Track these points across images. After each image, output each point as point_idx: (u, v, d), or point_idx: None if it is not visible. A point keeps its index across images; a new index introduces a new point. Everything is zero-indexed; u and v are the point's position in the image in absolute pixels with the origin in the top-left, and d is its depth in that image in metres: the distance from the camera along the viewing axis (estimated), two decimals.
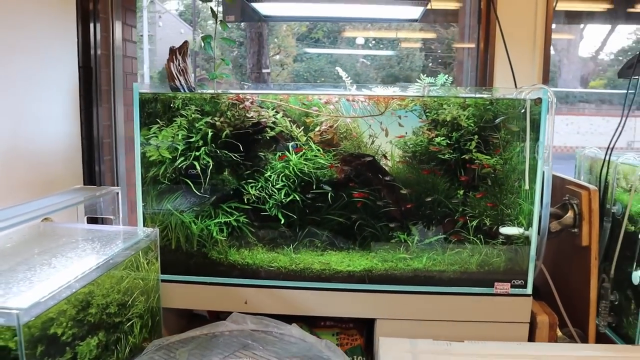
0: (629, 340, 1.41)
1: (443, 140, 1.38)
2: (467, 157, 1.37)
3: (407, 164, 1.39)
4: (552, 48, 2.06)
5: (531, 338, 1.41)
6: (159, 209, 1.44)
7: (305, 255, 1.43)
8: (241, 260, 1.44)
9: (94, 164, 1.93)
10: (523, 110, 1.35)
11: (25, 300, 0.85)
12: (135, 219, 2.05)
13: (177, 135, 1.41)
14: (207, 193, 1.42)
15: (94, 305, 1.04)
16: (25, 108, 1.50)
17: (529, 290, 1.40)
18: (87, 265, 1.03)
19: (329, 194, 1.40)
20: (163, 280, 1.38)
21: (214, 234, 1.43)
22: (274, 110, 1.41)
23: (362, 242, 1.42)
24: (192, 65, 1.55)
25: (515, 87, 1.78)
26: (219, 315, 1.57)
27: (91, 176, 1.90)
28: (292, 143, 1.40)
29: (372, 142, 1.40)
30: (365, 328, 1.55)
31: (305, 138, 1.40)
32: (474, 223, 1.39)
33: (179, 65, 1.52)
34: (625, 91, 1.59)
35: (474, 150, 1.37)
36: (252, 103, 1.41)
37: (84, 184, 1.81)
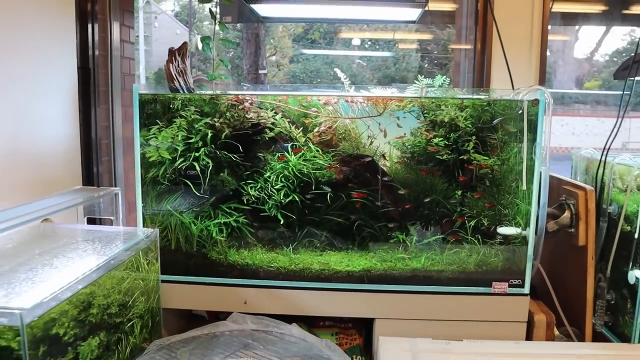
0: (625, 339, 1.42)
1: (441, 141, 1.39)
2: (465, 158, 1.38)
3: (406, 164, 1.40)
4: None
5: (529, 337, 1.42)
6: (158, 210, 1.44)
7: (305, 256, 1.43)
8: (241, 261, 1.45)
9: (92, 165, 1.94)
10: (520, 112, 1.36)
11: (28, 300, 0.86)
12: (133, 219, 2.05)
13: (177, 136, 1.41)
14: (206, 194, 1.43)
15: (95, 305, 1.04)
16: (25, 109, 1.50)
17: (527, 289, 1.41)
18: (88, 265, 1.04)
19: (328, 195, 1.41)
20: (163, 281, 1.38)
21: (214, 234, 1.44)
22: (273, 111, 1.41)
23: (361, 242, 1.43)
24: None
25: (513, 88, 1.79)
26: (218, 316, 1.57)
27: (89, 177, 1.90)
28: (291, 144, 1.41)
29: (371, 143, 1.41)
30: (364, 328, 1.56)
31: (304, 139, 1.41)
32: (472, 223, 1.40)
33: (178, 66, 1.52)
34: (621, 92, 1.61)
35: (471, 151, 1.38)
36: (251, 104, 1.41)
37: (83, 185, 1.81)
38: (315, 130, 1.41)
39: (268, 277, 1.45)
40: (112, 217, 1.45)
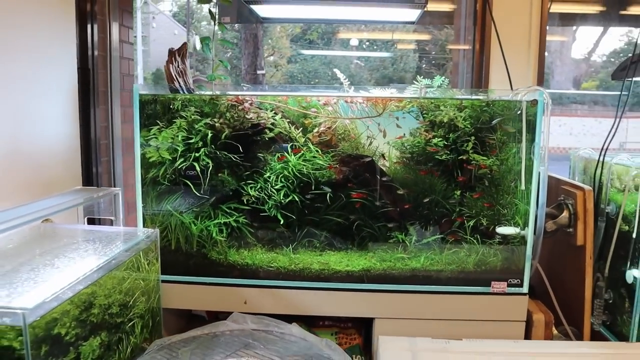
0: (623, 338, 1.43)
1: (440, 141, 1.39)
2: (464, 158, 1.39)
3: (405, 164, 1.41)
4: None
5: (527, 336, 1.43)
6: (158, 210, 1.45)
7: (304, 256, 1.44)
8: (241, 261, 1.45)
9: (92, 166, 1.94)
10: (519, 112, 1.37)
11: (30, 300, 0.86)
12: (131, 219, 2.05)
13: (177, 136, 1.41)
14: (206, 194, 1.43)
15: (97, 305, 1.05)
16: (26, 109, 1.50)
17: (525, 289, 1.42)
18: (89, 266, 1.04)
19: (328, 195, 1.41)
20: (163, 281, 1.38)
21: (214, 234, 1.44)
22: (273, 111, 1.42)
23: (361, 242, 1.43)
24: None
25: (511, 88, 1.80)
26: (218, 316, 1.57)
27: (89, 177, 1.90)
28: (290, 144, 1.41)
29: (370, 143, 1.41)
30: (363, 327, 1.57)
31: (303, 139, 1.41)
32: (471, 223, 1.41)
33: (178, 66, 1.53)
34: (618, 93, 1.62)
35: (470, 151, 1.39)
36: (251, 104, 1.42)
37: (82, 186, 1.82)
38: (315, 130, 1.41)
39: (268, 277, 1.45)
40: (112, 218, 1.45)
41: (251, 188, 1.42)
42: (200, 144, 1.42)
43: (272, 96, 1.44)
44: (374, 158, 1.41)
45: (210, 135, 1.41)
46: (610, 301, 1.48)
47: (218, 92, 1.50)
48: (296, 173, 1.42)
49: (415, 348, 1.23)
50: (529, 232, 1.39)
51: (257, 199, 1.43)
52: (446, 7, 2.76)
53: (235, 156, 1.42)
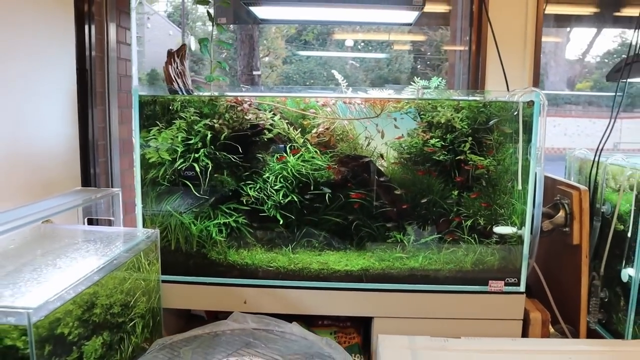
0: (618, 336, 1.44)
1: (438, 141, 1.41)
2: (461, 158, 1.40)
3: (403, 165, 1.42)
4: None
5: (524, 334, 1.44)
6: (158, 211, 1.45)
7: (304, 255, 1.45)
8: (240, 261, 1.46)
9: (89, 166, 1.94)
10: (515, 113, 1.38)
11: (34, 300, 0.87)
12: (129, 220, 2.06)
13: (177, 137, 1.42)
14: (206, 194, 1.44)
15: (99, 305, 1.05)
16: (26, 110, 1.50)
17: (522, 288, 1.43)
18: (91, 266, 1.05)
19: (327, 195, 1.42)
20: (163, 281, 1.39)
21: (213, 234, 1.45)
22: (272, 112, 1.43)
23: (359, 242, 1.44)
24: None
25: (508, 89, 1.82)
26: (217, 316, 1.58)
27: (87, 178, 1.90)
28: (289, 144, 1.42)
29: (368, 144, 1.42)
30: (362, 327, 1.58)
31: (302, 140, 1.42)
32: (469, 223, 1.42)
33: (177, 68, 1.54)
34: (612, 94, 1.64)
35: (467, 152, 1.40)
36: (250, 105, 1.43)
37: (81, 186, 1.82)
38: (314, 131, 1.42)
39: (267, 276, 1.46)
40: (111, 218, 1.46)
41: (250, 188, 1.43)
42: (200, 144, 1.43)
43: (270, 97, 1.45)
44: (372, 158, 1.43)
45: (209, 136, 1.42)
46: (606, 299, 1.50)
47: (216, 93, 1.51)
48: (295, 173, 1.43)
49: (415, 346, 1.24)
50: (525, 232, 1.41)
51: (256, 199, 1.44)
52: (442, 8, 2.78)
53: (235, 157, 1.43)
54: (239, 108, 1.43)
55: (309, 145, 1.42)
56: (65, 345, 0.94)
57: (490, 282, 1.43)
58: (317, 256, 1.45)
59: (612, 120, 1.58)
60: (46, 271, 1.01)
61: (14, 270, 1.00)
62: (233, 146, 1.43)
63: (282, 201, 1.43)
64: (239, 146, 1.43)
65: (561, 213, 1.49)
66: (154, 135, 1.42)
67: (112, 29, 2.07)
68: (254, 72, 5.98)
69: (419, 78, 1.60)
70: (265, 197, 1.43)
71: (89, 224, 1.48)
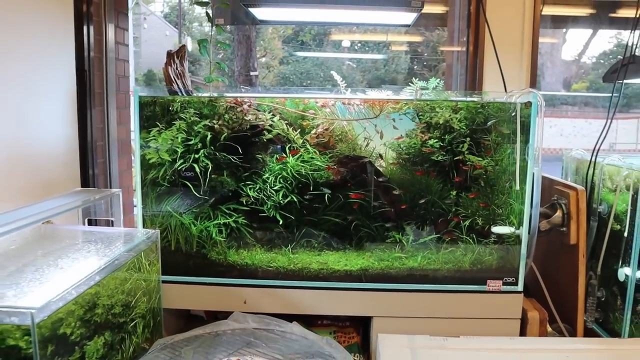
0: (615, 334, 1.45)
1: (436, 142, 1.42)
2: (459, 159, 1.41)
3: (402, 165, 1.43)
4: None
5: (522, 333, 1.45)
6: (158, 211, 1.46)
7: (303, 255, 1.46)
8: (240, 261, 1.46)
9: (88, 167, 1.94)
10: (513, 114, 1.40)
11: (37, 300, 0.87)
12: (128, 221, 2.06)
13: (177, 138, 1.43)
14: (206, 195, 1.45)
15: (100, 305, 1.06)
16: (25, 111, 1.51)
17: (520, 287, 1.45)
18: (93, 266, 1.05)
19: (326, 195, 1.43)
20: (163, 281, 1.39)
21: (213, 235, 1.45)
22: (271, 113, 1.43)
23: (359, 242, 1.45)
24: None
25: (505, 90, 1.83)
26: (217, 316, 1.59)
27: (85, 179, 1.91)
28: (289, 145, 1.43)
29: (367, 145, 1.43)
30: (361, 326, 1.59)
31: (301, 141, 1.43)
32: (467, 223, 1.43)
33: (177, 68, 1.54)
34: (609, 94, 1.65)
35: (466, 152, 1.41)
36: (249, 106, 1.43)
37: (80, 187, 1.82)
38: (313, 132, 1.43)
39: (267, 276, 1.47)
40: (111, 219, 1.46)
41: (250, 189, 1.44)
42: (200, 145, 1.43)
43: (270, 98, 1.46)
44: (371, 159, 1.43)
45: (209, 136, 1.43)
46: (603, 299, 1.51)
47: (216, 94, 1.51)
48: (294, 174, 1.43)
49: (414, 345, 1.25)
50: (523, 232, 1.42)
51: (256, 199, 1.44)
52: (439, 9, 2.79)
53: (234, 157, 1.44)
54: (238, 109, 1.43)
55: (308, 146, 1.43)
56: (68, 345, 0.95)
57: (488, 281, 1.44)
58: (317, 256, 1.46)
59: (609, 121, 1.59)
60: (48, 271, 1.01)
61: (15, 271, 1.00)
62: (233, 147, 1.43)
63: (281, 201, 1.44)
64: (238, 147, 1.43)
65: (558, 213, 1.51)
66: (153, 136, 1.43)
67: (111, 30, 2.07)
68: (251, 73, 5.98)
69: (417, 79, 1.61)
70: (265, 198, 1.44)
71: (88, 224, 1.49)
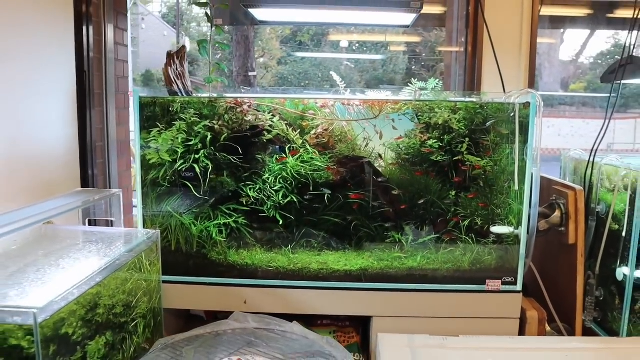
0: (613, 334, 1.46)
1: (435, 142, 1.42)
2: (459, 159, 1.42)
3: (401, 166, 1.44)
4: None
5: (521, 333, 1.46)
6: (158, 211, 1.46)
7: (303, 256, 1.46)
8: (240, 261, 1.47)
9: (88, 167, 1.94)
10: (512, 114, 1.40)
11: (39, 300, 0.87)
12: (128, 221, 2.06)
13: (177, 138, 1.43)
14: (206, 195, 1.45)
15: (102, 305, 1.06)
16: (26, 111, 1.51)
17: (519, 287, 1.45)
18: (94, 266, 1.05)
19: (326, 196, 1.44)
20: (163, 281, 1.40)
21: (214, 235, 1.46)
22: (271, 113, 1.44)
23: (358, 242, 1.46)
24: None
25: (504, 90, 1.84)
26: (217, 316, 1.59)
27: (85, 179, 1.91)
28: (288, 146, 1.43)
29: (367, 145, 1.44)
30: (361, 326, 1.59)
31: (301, 141, 1.43)
32: (466, 223, 1.44)
33: (177, 69, 1.54)
34: (606, 95, 1.66)
35: (465, 152, 1.42)
36: (249, 107, 1.44)
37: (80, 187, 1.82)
38: (312, 132, 1.44)
39: (267, 276, 1.47)
40: (112, 219, 1.47)
41: (250, 189, 1.44)
42: (200, 145, 1.44)
43: (270, 99, 1.46)
44: (370, 159, 1.44)
45: (209, 137, 1.43)
46: (601, 298, 1.51)
47: (215, 95, 1.52)
48: (294, 174, 1.44)
49: (414, 345, 1.26)
50: (522, 232, 1.42)
51: (256, 200, 1.45)
52: (437, 10, 2.79)
53: (234, 158, 1.44)
54: (238, 109, 1.44)
55: (307, 146, 1.44)
56: (70, 345, 0.95)
57: (487, 281, 1.45)
58: (317, 256, 1.46)
59: (607, 122, 1.60)
60: (50, 272, 1.01)
61: (17, 271, 1.01)
62: (233, 147, 1.44)
63: (281, 202, 1.44)
64: (238, 147, 1.44)
65: (557, 213, 1.51)
66: (154, 136, 1.43)
67: (110, 30, 2.07)
68: (250, 73, 5.98)
69: (413, 79, 1.61)
70: (265, 198, 1.44)
71: (88, 225, 1.49)
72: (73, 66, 1.78)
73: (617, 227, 1.45)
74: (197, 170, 1.44)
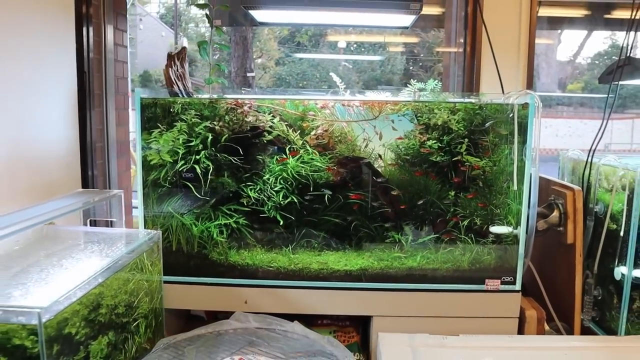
0: (611, 333, 1.47)
1: (434, 143, 1.43)
2: (459, 159, 1.43)
3: (401, 166, 1.44)
4: None
5: (520, 332, 1.47)
6: (159, 212, 1.47)
7: (303, 256, 1.47)
8: (241, 261, 1.47)
9: (88, 168, 1.95)
10: (511, 115, 1.41)
11: (44, 299, 0.88)
12: (127, 221, 2.06)
13: (178, 139, 1.44)
14: (207, 196, 1.46)
15: (104, 305, 1.07)
16: (28, 112, 1.51)
17: (518, 286, 1.46)
18: (97, 267, 1.06)
19: (326, 196, 1.44)
20: (165, 282, 1.40)
21: (214, 235, 1.46)
22: (271, 114, 1.45)
23: (358, 242, 1.47)
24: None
25: (503, 92, 1.85)
26: (217, 316, 1.60)
27: (85, 180, 1.91)
28: (288, 147, 1.44)
29: (366, 146, 1.45)
30: (360, 326, 1.60)
31: (301, 142, 1.44)
32: (465, 223, 1.45)
33: (177, 70, 1.55)
34: (603, 95, 1.67)
35: (464, 153, 1.43)
36: (250, 108, 1.45)
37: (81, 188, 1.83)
38: (312, 133, 1.45)
39: (268, 277, 1.48)
40: (113, 219, 1.47)
41: (251, 190, 1.45)
42: (201, 146, 1.44)
43: (270, 100, 1.47)
44: (370, 160, 1.45)
45: (210, 138, 1.44)
46: (599, 297, 1.53)
47: (215, 96, 1.52)
48: (295, 175, 1.45)
49: (415, 344, 1.27)
50: (521, 231, 1.43)
51: (256, 200, 1.45)
52: (435, 11, 2.80)
53: (235, 158, 1.45)
54: (239, 110, 1.45)
55: (308, 147, 1.44)
56: (73, 344, 0.96)
57: (486, 280, 1.46)
58: (317, 256, 1.47)
59: (605, 122, 1.61)
60: (53, 272, 1.02)
61: (20, 271, 1.01)
62: (233, 148, 1.45)
63: (282, 202, 1.45)
64: (239, 148, 1.44)
65: (555, 213, 1.52)
66: (155, 137, 1.44)
67: (110, 31, 2.08)
68: (248, 74, 5.98)
69: (415, 80, 1.62)
70: (265, 198, 1.45)
71: (90, 225, 1.50)
72: (74, 67, 1.78)
73: (615, 226, 1.46)
74: (198, 170, 1.44)
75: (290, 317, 1.45)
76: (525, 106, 1.39)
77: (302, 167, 1.44)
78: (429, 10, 2.80)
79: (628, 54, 1.65)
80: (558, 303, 1.56)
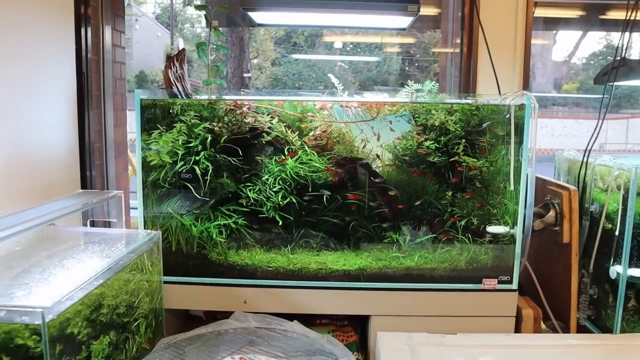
0: (607, 331, 1.49)
1: (432, 144, 1.44)
2: (456, 159, 1.44)
3: (398, 167, 1.46)
4: None
5: (517, 331, 1.49)
6: (158, 212, 1.47)
7: (302, 256, 1.48)
8: (240, 261, 1.48)
9: (86, 169, 1.95)
10: (507, 116, 1.43)
11: (47, 299, 0.89)
12: (126, 222, 2.06)
13: (177, 140, 1.44)
14: (206, 196, 1.46)
15: (105, 305, 1.08)
16: (27, 113, 1.51)
17: (515, 285, 1.48)
18: (98, 267, 1.07)
19: (324, 197, 1.46)
20: (164, 282, 1.41)
21: (214, 236, 1.47)
22: (270, 115, 1.46)
23: (356, 242, 1.48)
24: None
25: (499, 91, 1.86)
26: (216, 316, 1.60)
27: (84, 181, 1.91)
28: (287, 147, 1.45)
29: (364, 146, 1.46)
30: (359, 325, 1.61)
31: (300, 142, 1.45)
32: (463, 223, 1.46)
33: (177, 71, 1.56)
34: (599, 95, 1.68)
35: (461, 153, 1.44)
36: (249, 109, 1.46)
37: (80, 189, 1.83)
38: (311, 134, 1.46)
39: (267, 277, 1.49)
40: (114, 220, 1.48)
41: (250, 190, 1.46)
42: (200, 147, 1.45)
43: (269, 101, 1.48)
44: (368, 160, 1.46)
45: (209, 138, 1.45)
46: (595, 296, 1.54)
47: (214, 97, 1.53)
48: (293, 175, 1.46)
49: (413, 342, 1.28)
50: (517, 231, 1.45)
51: (255, 201, 1.46)
52: (432, 11, 2.82)
53: (234, 159, 1.46)
54: (238, 111, 1.45)
55: (306, 148, 1.46)
56: (75, 344, 0.96)
57: (483, 280, 1.47)
58: (316, 256, 1.48)
59: (600, 122, 1.63)
60: (54, 272, 1.03)
61: (23, 272, 1.02)
62: (232, 149, 1.45)
63: (280, 203, 1.46)
64: (238, 149, 1.45)
65: (552, 213, 1.54)
66: (154, 138, 1.45)
67: (108, 32, 2.08)
68: (245, 75, 5.98)
69: (412, 81, 1.63)
70: (264, 199, 1.46)
71: (90, 225, 1.50)
72: (73, 68, 1.78)
73: (610, 226, 1.47)
74: (197, 171, 1.45)
75: (289, 317, 1.46)
76: (521, 107, 1.41)
77: (300, 167, 1.46)
78: (425, 10, 2.81)
79: (623, 55, 1.67)
80: (554, 302, 1.57)
